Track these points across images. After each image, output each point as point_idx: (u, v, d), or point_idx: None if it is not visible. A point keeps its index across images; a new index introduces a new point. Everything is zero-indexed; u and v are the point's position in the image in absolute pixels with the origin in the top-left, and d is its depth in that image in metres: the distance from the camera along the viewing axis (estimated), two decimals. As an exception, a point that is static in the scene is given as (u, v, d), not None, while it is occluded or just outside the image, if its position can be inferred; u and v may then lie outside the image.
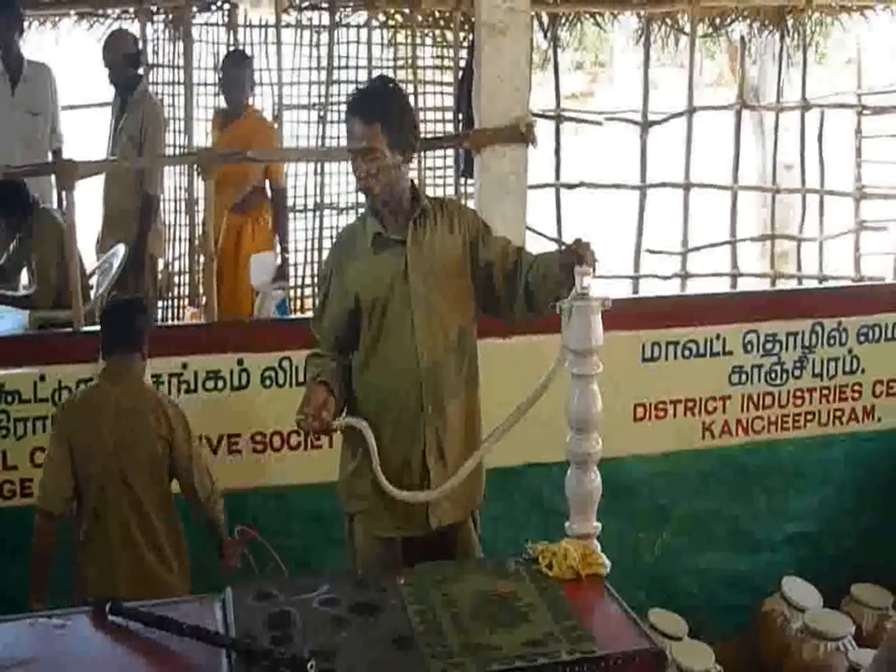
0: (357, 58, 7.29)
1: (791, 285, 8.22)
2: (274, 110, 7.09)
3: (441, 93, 7.48)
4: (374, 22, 7.25)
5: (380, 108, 3.10)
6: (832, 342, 4.65)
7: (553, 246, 7.38)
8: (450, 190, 7.28)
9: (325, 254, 6.96)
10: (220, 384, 4.01)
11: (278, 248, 6.23)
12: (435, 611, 2.64)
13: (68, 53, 7.88)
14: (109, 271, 5.69)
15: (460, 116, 6.86)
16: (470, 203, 4.60)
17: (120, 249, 5.76)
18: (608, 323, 2.94)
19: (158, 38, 7.16)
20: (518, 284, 3.18)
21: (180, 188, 7.17)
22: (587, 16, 7.81)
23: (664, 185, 8.02)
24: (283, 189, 6.40)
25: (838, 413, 4.70)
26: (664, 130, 8.06)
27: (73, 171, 4.49)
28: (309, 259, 7.42)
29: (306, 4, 7.22)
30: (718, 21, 8.01)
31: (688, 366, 4.47)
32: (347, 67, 7.30)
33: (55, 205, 5.87)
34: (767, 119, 9.48)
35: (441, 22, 7.45)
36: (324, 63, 7.25)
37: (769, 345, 4.57)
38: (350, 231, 3.38)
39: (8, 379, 3.85)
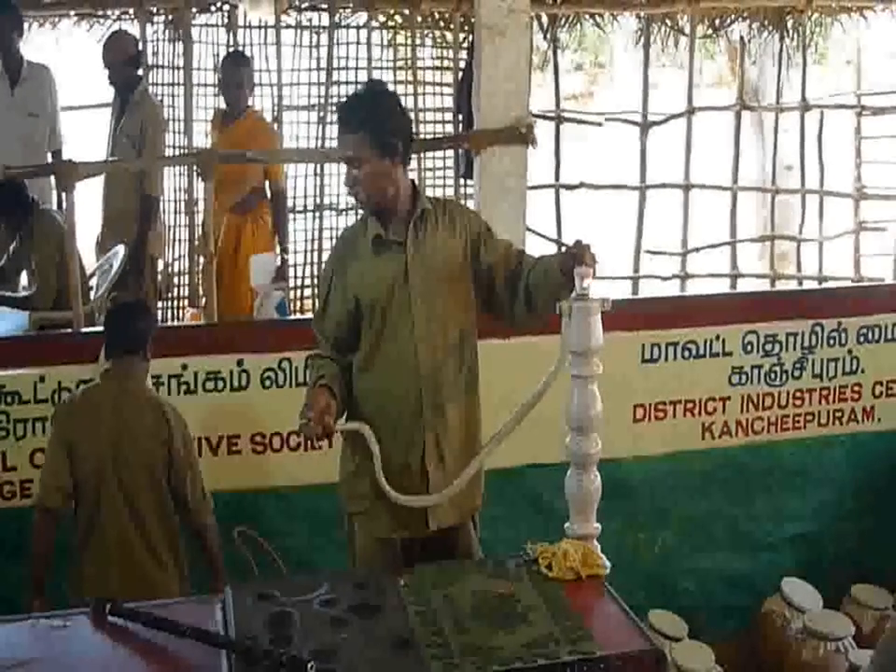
0: (357, 59, 7.28)
1: (791, 285, 8.23)
2: (274, 111, 7.09)
3: (441, 94, 7.47)
4: (374, 23, 7.25)
5: (362, 117, 3.11)
6: (831, 342, 4.65)
7: (552, 247, 7.40)
8: (450, 191, 7.28)
9: (324, 255, 6.98)
10: (220, 384, 4.01)
11: (278, 249, 6.23)
12: (435, 612, 2.64)
13: (68, 54, 7.89)
14: (109, 272, 5.69)
15: (460, 117, 6.85)
16: (470, 204, 4.60)
17: (120, 250, 5.77)
18: (607, 324, 2.94)
19: (157, 39, 7.16)
20: (519, 287, 3.18)
21: (180, 188, 7.17)
22: (587, 17, 7.81)
23: (663, 186, 8.02)
24: (282, 190, 6.39)
25: (838, 414, 4.70)
26: (663, 130, 8.06)
27: (72, 172, 4.49)
28: (309, 260, 7.42)
29: (306, 5, 7.22)
30: (717, 21, 8.01)
31: (688, 367, 4.47)
32: (347, 68, 7.29)
33: (55, 206, 5.87)
34: (767, 120, 9.49)
35: (441, 23, 7.44)
36: (324, 63, 7.24)
37: (769, 346, 4.57)
38: (351, 233, 3.38)
39: (8, 380, 3.85)
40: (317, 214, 7.34)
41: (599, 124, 8.10)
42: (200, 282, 6.11)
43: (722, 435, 4.56)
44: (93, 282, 5.71)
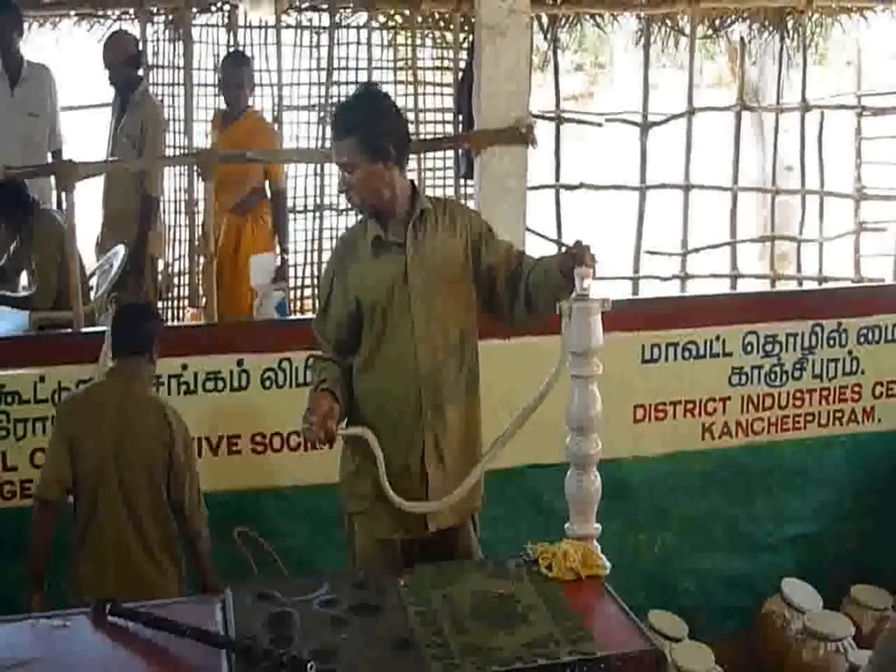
0: (357, 59, 7.28)
1: (791, 286, 8.22)
2: (274, 111, 7.09)
3: (441, 94, 7.47)
4: (374, 23, 7.25)
5: (352, 122, 3.11)
6: (831, 343, 4.65)
7: (553, 247, 7.40)
8: (450, 192, 7.27)
9: (325, 255, 6.99)
10: (220, 384, 4.01)
11: (278, 249, 6.23)
12: (435, 612, 2.64)
13: (68, 54, 7.89)
14: (109, 272, 5.69)
15: (460, 117, 6.86)
16: (470, 204, 4.60)
17: (120, 250, 5.77)
18: (607, 324, 2.94)
19: (158, 39, 7.16)
20: (519, 287, 3.18)
21: (180, 189, 7.17)
22: (587, 17, 7.80)
23: (663, 186, 8.01)
24: (282, 190, 6.39)
25: (838, 415, 4.70)
26: (664, 131, 8.05)
27: (73, 172, 4.49)
28: (309, 260, 7.41)
29: (306, 5, 7.21)
30: (718, 22, 8.01)
31: (688, 367, 4.47)
32: (347, 68, 7.29)
33: (55, 206, 5.87)
34: (767, 121, 9.48)
35: (441, 24, 7.44)
36: (324, 63, 7.24)
37: (769, 346, 4.57)
38: (351, 234, 3.38)
39: (9, 380, 3.85)
40: (317, 214, 7.34)
41: (599, 124, 8.10)
42: (200, 282, 6.10)
43: (723, 435, 4.56)
44: (93, 282, 5.71)
